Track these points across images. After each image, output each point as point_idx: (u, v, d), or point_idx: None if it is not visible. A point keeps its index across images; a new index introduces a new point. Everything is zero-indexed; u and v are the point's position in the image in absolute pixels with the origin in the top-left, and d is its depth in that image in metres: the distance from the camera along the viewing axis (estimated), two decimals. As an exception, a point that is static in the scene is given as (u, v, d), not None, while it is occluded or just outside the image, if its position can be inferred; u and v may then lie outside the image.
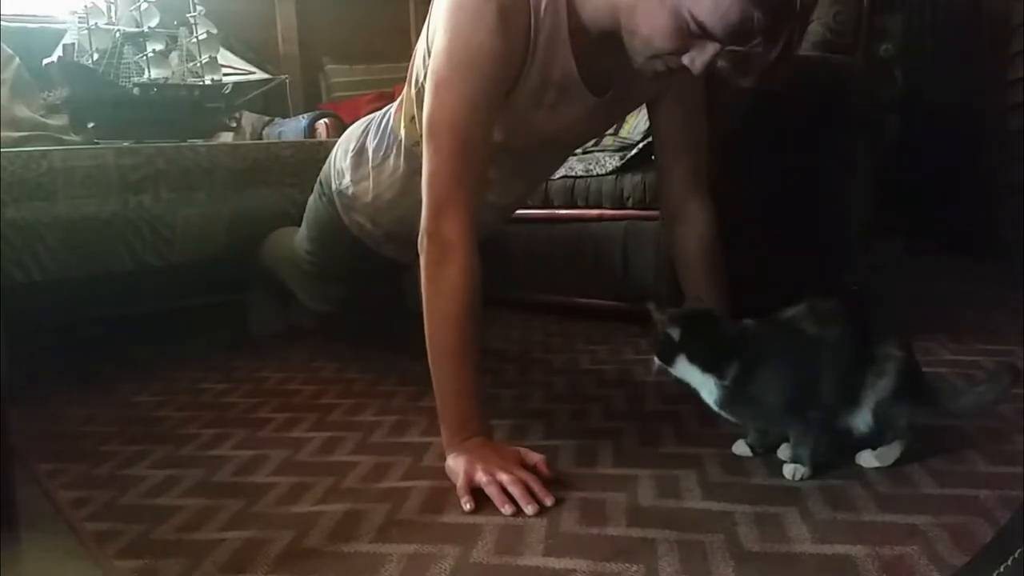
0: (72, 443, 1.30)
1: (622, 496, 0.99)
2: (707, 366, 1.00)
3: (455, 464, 1.03)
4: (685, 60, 1.00)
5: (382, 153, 1.39)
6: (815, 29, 1.86)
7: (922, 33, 2.55)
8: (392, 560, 0.86)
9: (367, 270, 1.64)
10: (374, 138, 1.41)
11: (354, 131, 1.49)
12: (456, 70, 1.06)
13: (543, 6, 1.07)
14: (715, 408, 1.04)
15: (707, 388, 1.03)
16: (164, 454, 1.22)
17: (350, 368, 1.70)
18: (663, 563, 0.82)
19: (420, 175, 1.11)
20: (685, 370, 1.02)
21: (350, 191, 1.46)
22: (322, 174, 1.57)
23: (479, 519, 0.94)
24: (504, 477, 0.98)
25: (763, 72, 1.01)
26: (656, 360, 1.03)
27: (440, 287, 1.06)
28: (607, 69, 1.15)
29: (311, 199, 1.64)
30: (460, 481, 1.00)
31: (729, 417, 1.06)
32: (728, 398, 1.02)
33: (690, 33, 0.96)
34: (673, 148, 1.30)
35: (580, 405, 1.37)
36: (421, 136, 1.13)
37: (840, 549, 0.83)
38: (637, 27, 1.01)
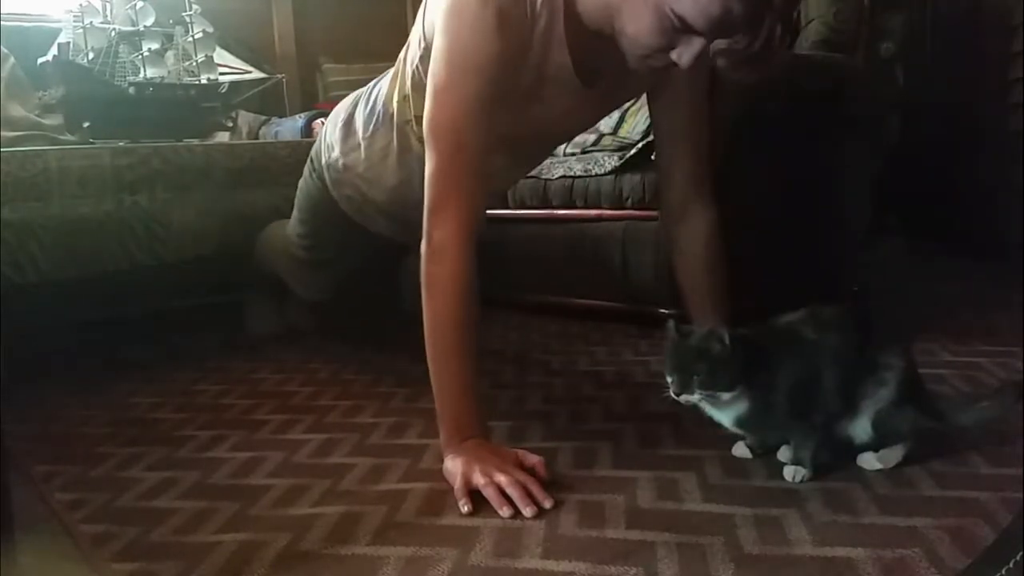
0: (67, 445, 1.29)
1: (621, 498, 0.98)
2: (726, 389, 0.98)
3: (453, 466, 1.02)
4: (672, 56, 1.01)
5: (372, 125, 1.38)
6: (815, 28, 1.86)
7: (923, 32, 2.56)
8: (390, 562, 0.85)
9: (360, 250, 1.64)
10: (364, 109, 1.40)
11: (344, 103, 1.49)
12: (454, 74, 1.07)
13: (539, 2, 1.08)
14: (737, 429, 1.04)
15: (727, 412, 1.01)
16: (160, 456, 1.22)
17: (347, 369, 1.69)
18: (662, 565, 0.82)
19: (410, 153, 1.14)
20: (705, 398, 1.00)
21: (340, 163, 1.45)
22: (312, 151, 1.57)
23: (477, 521, 0.94)
24: (502, 479, 0.98)
25: (751, 65, 1.03)
26: (672, 394, 1.00)
27: (433, 288, 1.07)
28: (600, 62, 1.16)
29: (302, 178, 1.63)
30: (458, 483, 1.00)
31: (751, 435, 1.06)
32: (749, 416, 1.00)
33: (674, 29, 0.98)
34: (674, 148, 1.30)
35: (579, 406, 1.36)
36: (415, 122, 1.15)
37: (840, 551, 0.83)
38: (624, 27, 1.02)
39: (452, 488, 1.01)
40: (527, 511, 0.94)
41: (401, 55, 1.30)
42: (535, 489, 0.97)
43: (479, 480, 0.98)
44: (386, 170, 1.40)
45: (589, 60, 1.14)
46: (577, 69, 1.14)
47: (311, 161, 1.58)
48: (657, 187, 1.36)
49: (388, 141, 1.37)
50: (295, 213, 1.68)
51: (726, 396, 0.99)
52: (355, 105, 1.44)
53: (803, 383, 0.99)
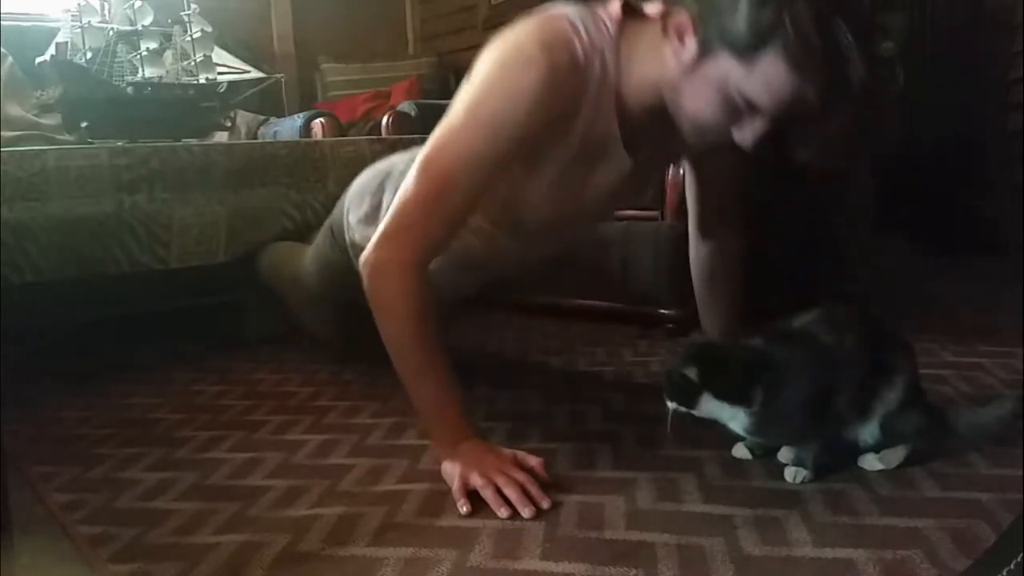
0: (66, 446, 1.29)
1: (621, 499, 0.98)
2: (733, 399, 0.97)
3: (451, 468, 1.02)
4: (735, 136, 0.98)
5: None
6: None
7: (924, 32, 2.55)
8: (388, 564, 0.85)
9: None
10: (391, 195, 1.29)
11: (368, 184, 1.38)
12: (471, 126, 1.03)
13: (596, 64, 1.03)
14: (747, 436, 1.03)
15: (736, 420, 0.99)
16: (159, 457, 1.21)
17: (346, 370, 1.69)
18: (662, 567, 0.82)
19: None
20: (711, 408, 0.98)
21: (365, 230, 1.34)
22: (332, 220, 1.47)
23: (476, 523, 0.94)
24: (500, 479, 0.97)
25: (821, 146, 1.00)
26: (672, 406, 0.99)
27: (381, 310, 1.05)
28: (645, 135, 1.11)
29: (317, 242, 1.55)
30: (456, 484, 0.99)
31: (761, 440, 1.05)
32: (759, 423, 0.99)
33: (738, 108, 0.94)
34: (710, 183, 1.30)
35: (578, 407, 1.36)
36: None
37: (841, 553, 0.82)
38: (684, 106, 0.99)
39: (451, 489, 1.00)
40: (525, 512, 0.94)
41: None
42: (533, 489, 0.97)
43: (477, 481, 0.98)
44: None
45: (635, 130, 1.09)
46: (624, 139, 1.09)
47: (331, 231, 1.47)
48: (691, 206, 1.36)
49: None
50: (312, 268, 1.59)
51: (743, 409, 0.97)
52: (382, 191, 1.34)
53: (819, 389, 0.98)
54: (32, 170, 1.67)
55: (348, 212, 1.40)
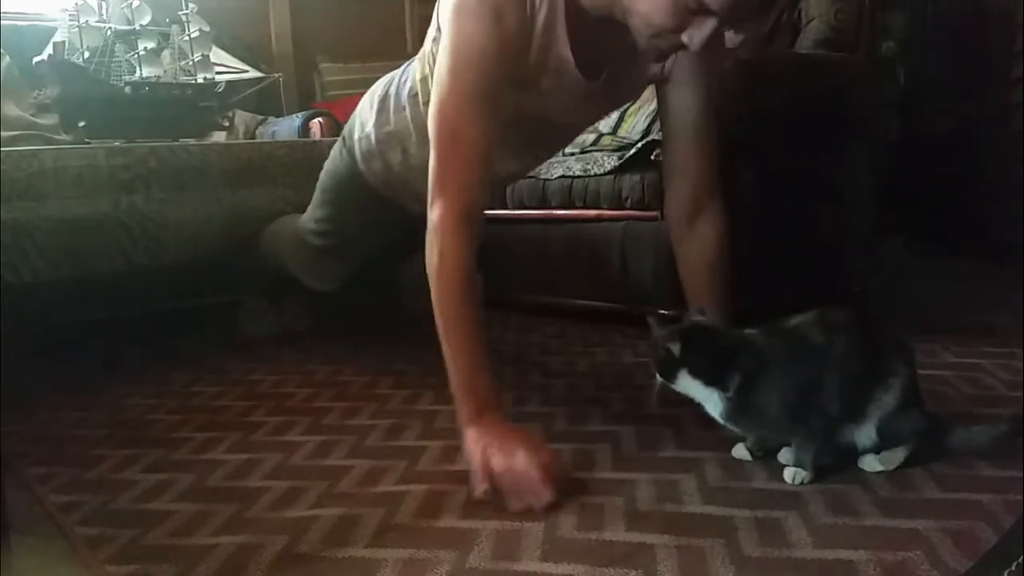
0: (63, 446, 1.29)
1: (620, 500, 0.98)
2: (709, 379, 0.99)
3: (474, 446, 1.02)
4: (684, 37, 1.01)
5: (402, 102, 1.41)
6: (816, 27, 1.86)
7: (924, 31, 2.55)
8: (387, 565, 0.85)
9: (377, 236, 1.67)
10: (396, 86, 1.44)
11: (381, 82, 1.52)
12: (453, 66, 1.10)
13: None
14: (721, 421, 1.03)
15: (711, 402, 1.01)
16: (156, 458, 1.21)
17: (344, 371, 1.69)
18: (662, 568, 0.81)
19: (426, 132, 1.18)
20: (687, 385, 1.00)
21: (372, 138, 1.48)
22: (345, 128, 1.61)
23: (476, 524, 0.93)
24: (520, 464, 0.97)
25: (757, 45, 1.04)
26: (658, 378, 1.02)
27: (430, 270, 1.10)
28: (602, 55, 1.17)
29: (329, 159, 1.66)
30: (476, 465, 1.00)
31: (735, 429, 1.05)
32: (733, 410, 1.00)
33: (688, 10, 0.98)
34: (684, 146, 1.27)
35: (578, 408, 1.35)
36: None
37: (841, 554, 0.82)
38: (636, 6, 1.02)
39: (450, 490, 1.01)
40: (542, 498, 0.95)
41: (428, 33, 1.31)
42: (549, 475, 0.98)
43: (497, 464, 0.98)
44: (411, 146, 1.42)
45: (591, 53, 1.15)
46: (579, 63, 1.14)
47: (342, 139, 1.61)
48: (664, 188, 1.34)
49: (415, 116, 1.39)
50: (317, 196, 1.71)
51: (720, 393, 0.99)
52: (390, 82, 1.47)
53: (805, 386, 0.98)
54: (29, 170, 1.67)
55: (360, 110, 1.54)
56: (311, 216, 1.72)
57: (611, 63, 1.18)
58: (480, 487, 0.98)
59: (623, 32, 1.06)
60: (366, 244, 1.73)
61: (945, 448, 1.04)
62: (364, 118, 1.52)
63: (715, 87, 1.26)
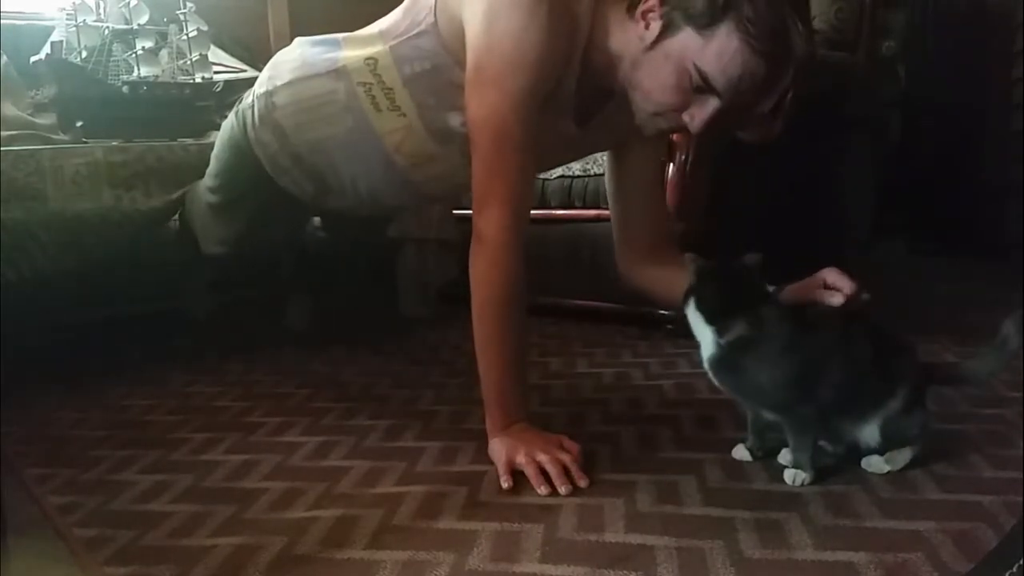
0: (61, 447, 1.28)
1: (620, 502, 0.97)
2: (709, 317, 0.99)
3: (499, 446, 1.06)
4: (685, 117, 1.02)
5: (319, 68, 1.29)
6: (817, 27, 1.86)
7: (924, 31, 2.55)
8: (386, 567, 0.84)
9: (264, 206, 1.52)
10: (315, 50, 1.33)
11: (298, 41, 1.40)
12: (504, 68, 1.05)
13: (580, 16, 1.07)
14: (706, 367, 1.02)
15: (706, 341, 1.01)
16: (154, 459, 1.21)
17: (344, 371, 1.68)
18: (662, 570, 0.81)
19: (353, 113, 1.19)
20: (692, 315, 1.01)
21: (271, 99, 1.34)
22: (241, 107, 1.45)
23: (475, 525, 0.93)
24: (543, 458, 1.02)
25: (760, 127, 1.06)
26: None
27: (476, 278, 1.09)
28: (592, 105, 1.16)
29: (222, 134, 1.53)
30: (502, 460, 1.04)
31: (714, 381, 1.04)
32: (722, 360, 1.00)
33: (692, 88, 0.99)
34: (645, 198, 1.31)
35: (577, 409, 1.35)
36: (376, 87, 1.19)
37: (842, 556, 0.82)
38: (640, 82, 1.04)
39: (449, 491, 1.01)
40: (562, 489, 0.99)
41: (384, 23, 1.24)
42: (573, 469, 1.02)
43: (521, 459, 1.03)
44: (316, 119, 1.30)
45: (587, 104, 1.15)
46: (575, 107, 1.14)
47: (241, 98, 1.46)
48: (615, 237, 1.34)
49: (335, 90, 1.26)
50: (213, 154, 1.57)
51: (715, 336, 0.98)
52: (309, 45, 1.35)
53: (801, 369, 0.97)
54: (27, 170, 1.67)
55: (273, 61, 1.41)
56: (208, 175, 1.60)
57: (600, 115, 1.18)
58: (504, 483, 1.02)
59: (620, 100, 1.07)
60: (255, 213, 1.56)
61: (979, 383, 1.07)
62: (267, 73, 1.37)
63: (663, 140, 1.32)
